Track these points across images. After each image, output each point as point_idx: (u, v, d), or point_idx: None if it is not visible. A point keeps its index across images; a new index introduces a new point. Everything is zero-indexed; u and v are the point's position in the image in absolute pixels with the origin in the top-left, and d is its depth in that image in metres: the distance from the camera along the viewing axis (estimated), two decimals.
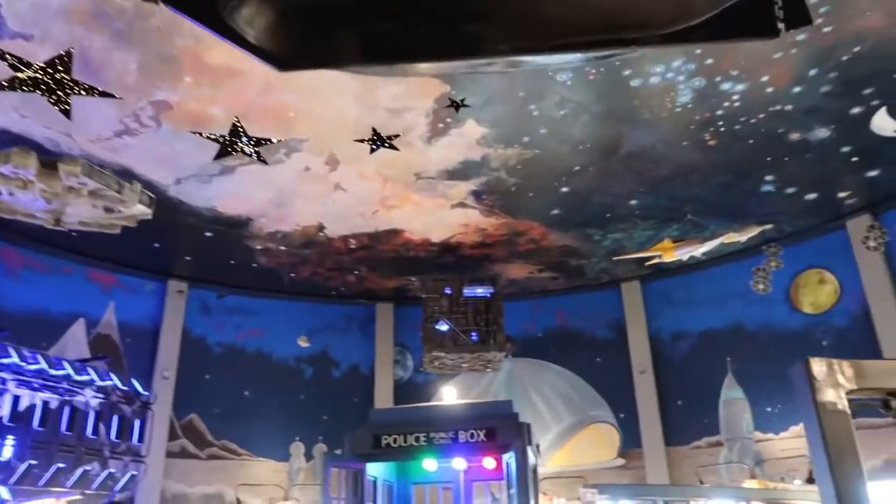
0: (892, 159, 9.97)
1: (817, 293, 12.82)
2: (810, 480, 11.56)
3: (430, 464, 7.87)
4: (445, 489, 9.49)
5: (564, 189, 10.82)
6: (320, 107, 8.95)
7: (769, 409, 13.03)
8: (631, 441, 14.47)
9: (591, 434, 15.05)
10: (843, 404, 1.90)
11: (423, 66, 2.43)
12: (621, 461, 14.49)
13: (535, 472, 7.52)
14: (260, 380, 15.06)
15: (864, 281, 11.95)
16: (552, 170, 10.29)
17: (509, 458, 7.11)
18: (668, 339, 14.61)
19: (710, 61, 7.92)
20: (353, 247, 12.96)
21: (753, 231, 10.22)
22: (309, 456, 14.78)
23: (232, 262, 13.52)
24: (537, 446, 8.35)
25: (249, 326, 15.38)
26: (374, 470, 8.01)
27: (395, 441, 7.47)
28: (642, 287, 14.83)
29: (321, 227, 12.22)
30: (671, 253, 10.36)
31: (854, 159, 10.00)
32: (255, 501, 14.13)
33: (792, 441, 12.55)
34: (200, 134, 9.37)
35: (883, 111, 8.86)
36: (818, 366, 1.88)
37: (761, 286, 11.41)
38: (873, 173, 10.40)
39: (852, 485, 1.77)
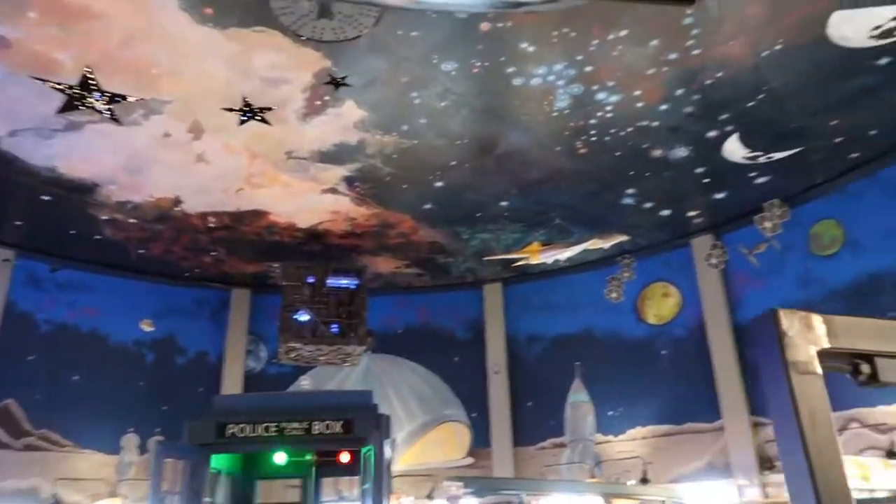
0: (737, 184, 10.85)
1: (661, 305, 13.72)
2: (644, 481, 12.41)
3: (279, 457, 7.43)
4: (292, 486, 9.05)
5: (439, 184, 10.77)
6: (189, 67, 8.25)
7: (611, 413, 13.72)
8: (481, 440, 14.70)
9: (443, 433, 15.13)
10: (815, 365, 1.70)
11: None
12: (470, 460, 14.67)
13: (389, 467, 7.31)
14: (92, 364, 13.70)
15: (703, 296, 12.96)
16: (428, 162, 10.20)
17: (366, 451, 6.85)
18: (524, 341, 15.02)
19: (589, 69, 8.16)
20: (211, 225, 12.13)
21: (617, 239, 10.73)
22: (143, 449, 13.62)
23: (72, 231, 12.19)
24: (394, 440, 8.17)
25: (85, 304, 13.96)
26: (218, 462, 7.42)
27: (241, 431, 6.92)
28: (504, 289, 15.15)
29: (178, 201, 11.33)
30: (538, 255, 10.63)
31: (705, 181, 10.78)
32: (75, 497, 12.80)
33: (628, 444, 13.33)
34: (43, 81, 8.32)
35: (735, 137, 9.60)
36: (787, 319, 1.65)
37: (615, 295, 12.02)
38: (720, 196, 11.28)
39: (827, 458, 1.55)
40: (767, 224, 9.56)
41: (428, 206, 11.51)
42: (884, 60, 8.05)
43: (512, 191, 10.98)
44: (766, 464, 11.49)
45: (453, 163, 10.20)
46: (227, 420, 6.88)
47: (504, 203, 11.39)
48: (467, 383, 15.00)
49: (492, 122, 9.25)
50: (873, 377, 1.73)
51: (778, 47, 7.77)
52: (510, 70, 8.18)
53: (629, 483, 12.14)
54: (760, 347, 1.68)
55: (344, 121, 9.22)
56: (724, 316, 12.67)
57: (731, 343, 12.45)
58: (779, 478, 11.31)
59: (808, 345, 1.65)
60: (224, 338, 15.09)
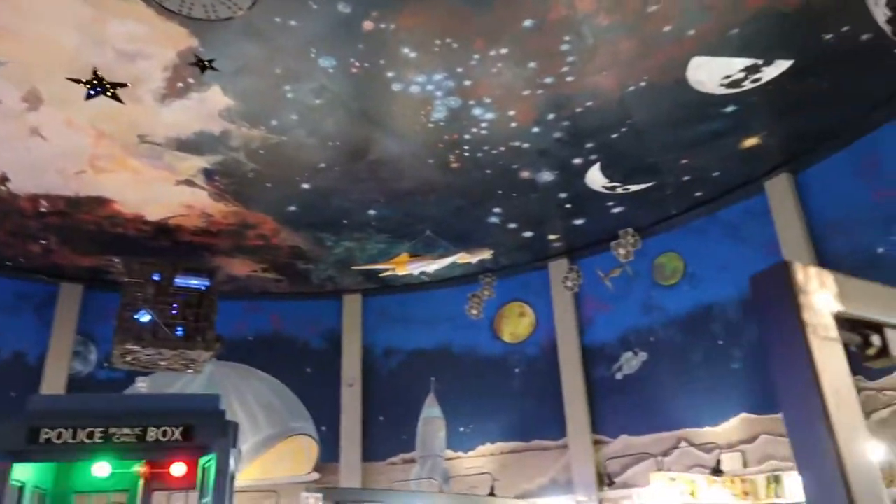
0: (594, 212, 11.40)
1: (517, 324, 14.10)
2: (491, 496, 12.56)
3: (101, 468, 6.46)
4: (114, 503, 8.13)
5: (305, 185, 10.36)
6: (33, 27, 7.31)
7: (462, 429, 13.82)
8: (329, 455, 14.24)
9: (290, 446, 14.50)
10: (835, 330, 1.25)
11: None
12: (316, 475, 14.15)
13: (233, 480, 6.74)
14: None
15: (556, 317, 13.47)
16: (296, 162, 9.77)
17: (206, 462, 6.25)
18: (381, 354, 14.80)
19: (468, 83, 8.20)
20: (43, 210, 10.85)
21: (485, 254, 10.85)
22: None
23: None
24: (240, 451, 7.59)
25: None
26: (23, 473, 6.36)
27: (59, 436, 5.93)
28: (363, 301, 14.88)
29: (4, 179, 10.02)
30: (405, 266, 10.50)
31: (567, 206, 11.22)
32: None
33: (478, 460, 13.48)
34: None
35: (597, 166, 10.07)
36: (803, 273, 1.21)
37: (475, 311, 12.16)
38: (579, 221, 11.79)
39: (856, 446, 1.12)
40: (622, 251, 10.11)
41: (292, 209, 11.04)
42: (730, 108, 8.79)
43: (381, 199, 10.79)
44: (604, 480, 12.04)
45: (322, 165, 9.85)
46: (41, 423, 5.94)
47: (372, 211, 11.18)
48: (319, 395, 14.50)
49: (366, 126, 9.03)
50: (884, 351, 1.41)
51: (643, 84, 8.24)
52: (390, 74, 8.03)
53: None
54: (768, 307, 1.30)
55: (208, 107, 8.60)
56: (573, 337, 13.23)
57: (579, 363, 13.00)
58: (616, 493, 11.92)
59: (826, 306, 1.28)
60: (48, 337, 13.52)
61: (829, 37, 7.59)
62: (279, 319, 14.95)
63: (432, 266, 10.30)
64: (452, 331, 14.36)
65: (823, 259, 10.31)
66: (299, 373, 14.68)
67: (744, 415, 10.79)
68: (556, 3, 6.92)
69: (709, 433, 11.12)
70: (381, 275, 12.75)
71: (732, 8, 7.06)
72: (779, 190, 10.83)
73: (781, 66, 8.01)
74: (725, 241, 11.77)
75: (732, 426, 10.89)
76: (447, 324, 14.38)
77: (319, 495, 7.68)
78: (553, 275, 13.47)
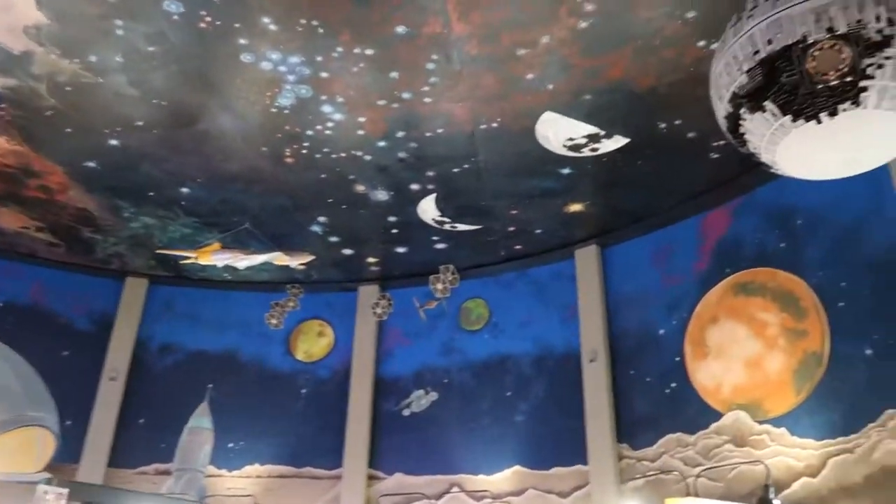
0: (418, 243, 11.32)
1: (313, 343, 13.48)
2: None
3: None
4: None
5: (113, 142, 9.08)
6: None
7: (231, 445, 12.73)
8: (68, 455, 12.34)
9: (21, 438, 12.26)
10: None
11: None
12: (47, 475, 12.15)
13: None
14: None
15: (356, 343, 13.08)
16: (109, 112, 8.53)
17: None
18: (156, 349, 13.33)
19: (325, 75, 7.74)
20: None
21: (306, 259, 10.18)
22: None
23: None
24: None
25: None
26: None
27: None
28: (149, 287, 13.38)
29: None
30: (209, 256, 9.51)
31: (394, 231, 11.01)
32: None
33: (241, 480, 12.46)
34: None
35: (432, 197, 10.02)
36: None
37: (275, 321, 11.39)
38: (401, 249, 11.63)
39: None
40: (440, 286, 10.08)
41: (91, 165, 9.63)
42: (566, 170, 9.21)
43: (199, 178, 9.80)
44: None
45: (140, 123, 8.71)
46: None
47: (185, 189, 10.11)
48: (72, 385, 12.58)
49: (202, 91, 8.16)
50: None
51: (495, 125, 8.35)
52: (242, 41, 7.33)
53: None
54: None
55: (11, 18, 7.23)
56: (369, 366, 12.89)
57: (369, 393, 12.65)
58: None
59: None
60: None
61: (663, 125, 8.25)
62: (42, 290, 12.92)
63: (243, 262, 9.47)
64: (243, 338, 13.35)
65: (613, 330, 11.09)
66: (54, 356, 12.68)
67: (517, 467, 11.08)
68: (433, 17, 6.78)
69: (483, 481, 11.25)
70: (182, 262, 11.52)
71: (591, 74, 7.41)
72: (587, 259, 11.55)
73: (619, 141, 8.55)
74: (531, 297, 12.26)
75: (505, 477, 11.12)
76: (239, 329, 13.36)
77: (62, 491, 6.42)
78: (362, 299, 13.12)
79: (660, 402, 10.16)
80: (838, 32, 4.55)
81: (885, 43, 4.46)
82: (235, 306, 13.38)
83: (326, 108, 8.27)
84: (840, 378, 8.18)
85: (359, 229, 11.03)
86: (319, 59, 7.49)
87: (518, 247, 11.55)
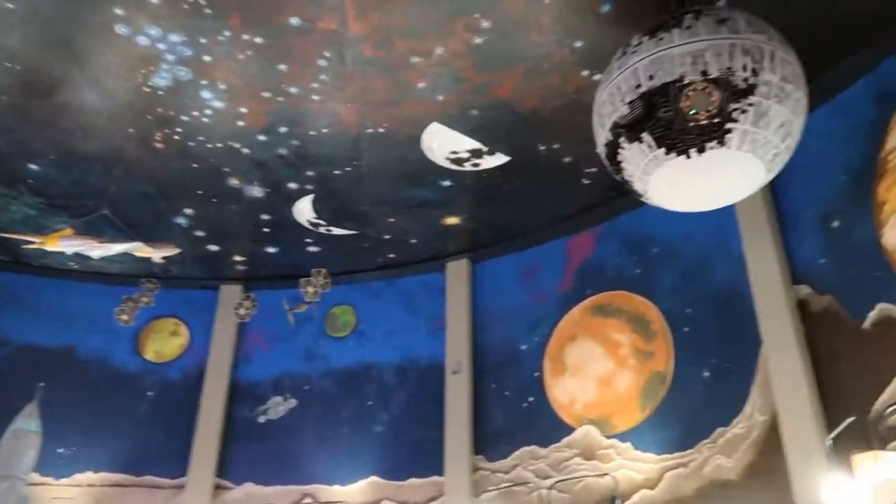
0: (290, 244, 10.99)
1: (165, 343, 12.66)
2: None
3: None
4: None
5: None
6: None
7: (61, 451, 11.60)
8: None
9: None
10: None
11: None
12: None
13: None
14: None
15: (213, 344, 12.42)
16: None
17: None
18: None
19: (208, 59, 7.33)
20: None
21: (172, 251, 9.45)
22: None
23: None
24: None
25: None
26: None
27: None
28: None
29: None
30: (56, 242, 8.60)
31: (265, 230, 10.61)
32: None
33: (71, 489, 11.38)
34: None
35: (309, 198, 9.77)
36: None
37: (126, 317, 10.49)
38: (272, 249, 11.23)
39: None
40: (310, 289, 9.79)
41: None
42: (446, 182, 9.34)
43: (52, 155, 8.90)
44: None
45: None
46: None
47: (34, 166, 9.14)
48: None
49: (65, 60, 7.43)
50: None
51: (381, 130, 8.31)
52: (118, 12, 6.76)
53: None
54: None
55: None
56: (225, 369, 12.29)
57: (223, 398, 12.04)
58: None
59: None
60: None
61: (542, 148, 8.61)
62: None
63: (96, 251, 8.65)
64: (85, 333, 12.26)
65: (478, 344, 11.33)
66: None
67: (373, 478, 10.97)
68: (330, 13, 6.66)
69: (337, 492, 11.02)
70: (24, 247, 10.34)
71: (481, 90, 7.59)
72: (457, 273, 11.77)
73: (500, 159, 8.81)
74: (399, 307, 12.27)
75: (360, 487, 10.97)
76: (81, 323, 12.26)
77: None
78: (224, 298, 12.50)
79: (517, 415, 10.50)
80: (710, 76, 4.97)
81: (749, 91, 4.93)
82: (80, 298, 12.26)
83: (206, 94, 7.84)
84: (680, 397, 8.89)
85: (228, 225, 10.52)
86: (204, 41, 7.09)
87: (392, 255, 11.54)
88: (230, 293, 12.33)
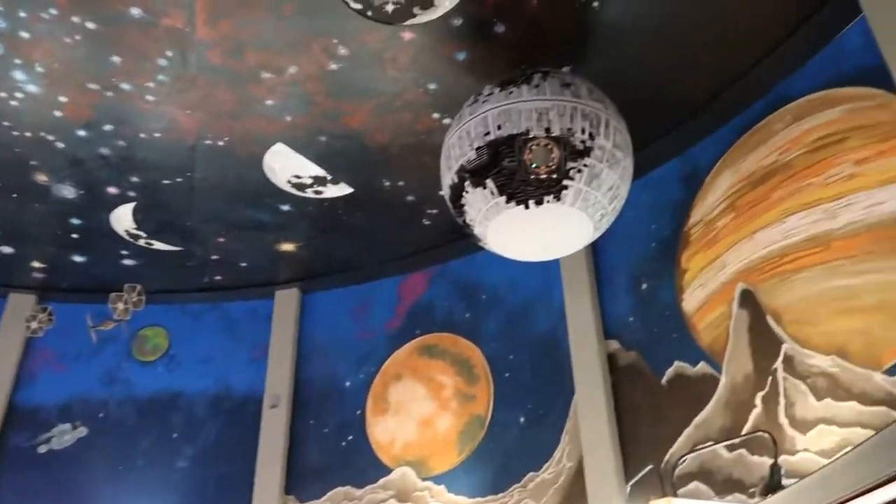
0: (102, 254, 9.95)
1: None
2: None
3: None
4: None
5: None
6: None
7: None
8: None
9: None
10: None
11: None
12: None
13: None
14: None
15: None
16: None
17: None
18: None
19: (26, 35, 6.50)
20: None
21: None
22: None
23: None
24: None
25: None
26: None
27: None
28: None
29: None
30: None
31: (74, 236, 9.52)
32: None
33: None
34: None
35: (130, 206, 8.94)
36: None
37: None
38: (79, 258, 10.09)
39: None
40: (121, 306, 8.86)
41: None
42: (286, 207, 9.00)
43: None
44: None
45: None
46: None
47: None
48: None
49: None
50: None
51: (221, 143, 7.85)
52: None
53: None
54: None
55: None
56: (3, 391, 10.74)
57: None
58: None
59: None
60: None
61: (387, 183, 8.59)
62: None
63: None
64: None
65: (301, 377, 10.89)
66: None
67: None
68: (177, 10, 6.23)
69: None
70: None
71: (331, 117, 7.45)
72: (286, 301, 11.31)
73: (344, 189, 8.65)
74: (219, 333, 11.53)
75: None
76: None
77: None
78: (10, 308, 10.99)
79: (334, 454, 10.17)
80: (553, 134, 5.26)
81: (585, 152, 5.27)
82: None
83: (19, 75, 6.95)
84: (496, 441, 9.10)
85: (27, 226, 9.31)
86: (23, 14, 6.31)
87: (218, 277, 10.85)
88: (21, 303, 10.88)
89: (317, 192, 8.68)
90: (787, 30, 6.63)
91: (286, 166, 8.15)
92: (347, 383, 10.68)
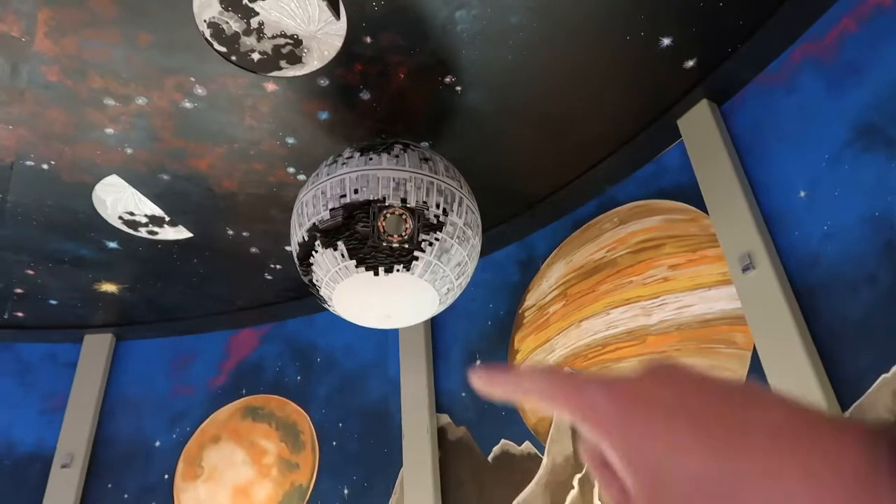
0: None
1: None
2: None
3: None
4: None
5: None
6: None
7: None
8: None
9: None
10: None
11: None
12: None
13: None
14: None
15: None
16: None
17: None
18: None
19: None
20: None
21: None
22: None
23: None
24: None
25: None
26: None
27: None
28: None
29: None
30: None
31: None
32: None
33: None
34: None
35: None
36: None
37: None
38: None
39: None
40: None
41: None
42: (113, 244, 8.26)
43: None
44: None
45: None
46: None
47: None
48: None
49: None
50: None
51: (45, 167, 7.08)
52: None
53: None
54: None
55: None
56: None
57: None
58: None
59: None
60: None
61: (230, 232, 8.18)
62: None
63: None
64: None
65: (102, 433, 9.78)
66: None
67: None
68: (14, 17, 5.65)
69: None
70: None
71: (177, 156, 7.01)
72: (97, 347, 10.25)
73: (182, 233, 8.11)
74: (9, 378, 10.17)
75: None
76: None
77: None
78: None
79: None
80: (408, 205, 5.31)
81: (438, 226, 5.36)
82: None
83: None
84: None
85: None
86: None
87: (19, 314, 9.61)
88: None
89: (151, 233, 8.07)
90: (619, 141, 7.32)
91: (119, 201, 7.52)
92: (157, 443, 9.75)
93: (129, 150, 6.90)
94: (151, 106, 6.45)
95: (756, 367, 5.77)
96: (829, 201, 5.63)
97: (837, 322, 5.34)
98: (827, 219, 5.61)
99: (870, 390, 4.98)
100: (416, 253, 5.21)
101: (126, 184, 7.26)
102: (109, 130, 6.69)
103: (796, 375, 5.31)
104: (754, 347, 5.78)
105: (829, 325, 5.40)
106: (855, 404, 5.05)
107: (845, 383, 5.17)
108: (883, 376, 4.91)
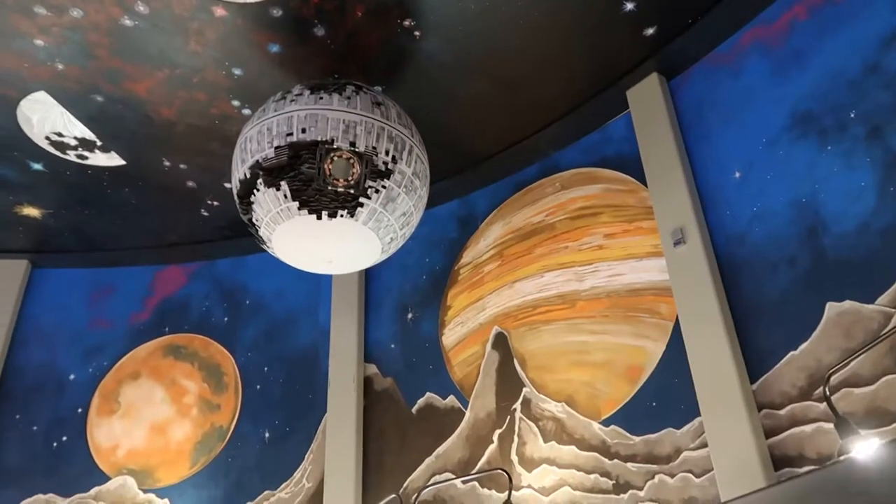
0: None
1: None
2: None
3: None
4: None
5: None
6: None
7: None
8: None
9: None
10: None
11: None
12: None
13: None
14: None
15: None
16: None
17: None
18: None
19: None
20: None
21: None
22: None
23: None
24: None
25: None
26: None
27: None
28: None
29: None
30: None
31: None
32: None
33: None
34: None
35: None
36: None
37: None
38: None
39: None
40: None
41: None
42: (38, 166, 7.78)
43: None
44: None
45: None
46: None
47: None
48: None
49: None
50: None
51: None
52: None
53: None
54: None
55: None
56: None
57: None
58: None
59: None
60: None
61: (167, 164, 7.84)
62: None
63: None
64: None
65: (12, 362, 9.37)
66: None
67: None
68: None
69: None
70: None
71: (113, 77, 6.61)
72: (9, 273, 9.69)
73: (114, 160, 7.73)
74: None
75: None
76: None
77: None
78: None
79: (41, 456, 8.86)
80: (357, 149, 5.23)
81: (386, 174, 5.31)
82: None
83: None
84: (235, 456, 8.61)
85: None
86: None
87: None
88: None
89: (80, 157, 7.65)
90: (569, 106, 7.40)
91: (47, 120, 7.08)
92: (72, 376, 9.42)
93: (59, 66, 6.47)
94: (87, 20, 6.05)
95: (676, 337, 6.05)
96: (762, 184, 5.88)
97: (756, 299, 5.64)
98: (757, 200, 5.87)
99: (777, 365, 5.31)
100: (361, 199, 5.15)
101: (55, 102, 6.83)
102: (39, 42, 6.25)
103: (713, 347, 5.60)
104: (677, 318, 6.04)
105: (748, 301, 5.69)
106: (763, 377, 5.39)
107: (756, 357, 5.50)
108: (791, 353, 5.24)
